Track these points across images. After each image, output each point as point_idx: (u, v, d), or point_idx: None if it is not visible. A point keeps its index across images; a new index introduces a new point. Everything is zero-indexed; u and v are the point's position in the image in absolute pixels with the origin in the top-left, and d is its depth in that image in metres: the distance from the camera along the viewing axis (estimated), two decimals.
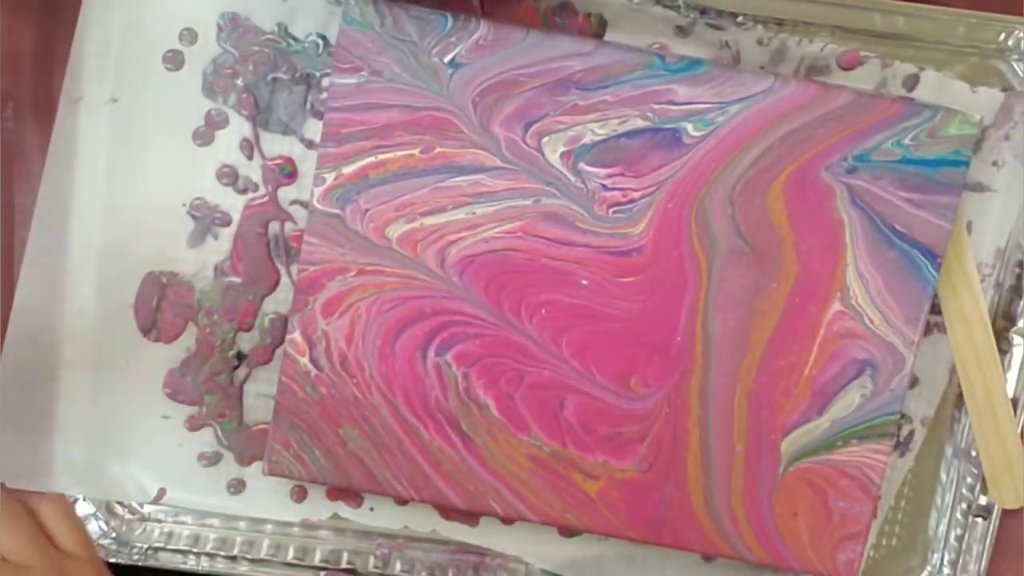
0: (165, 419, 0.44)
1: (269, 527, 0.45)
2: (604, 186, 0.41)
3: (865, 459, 0.42)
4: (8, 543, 0.36)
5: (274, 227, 0.43)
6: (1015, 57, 0.42)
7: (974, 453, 0.44)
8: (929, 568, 0.45)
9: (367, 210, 0.41)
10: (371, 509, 0.45)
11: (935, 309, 0.43)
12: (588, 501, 0.42)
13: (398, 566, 0.45)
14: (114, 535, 0.44)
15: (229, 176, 0.43)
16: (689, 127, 0.40)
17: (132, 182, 0.43)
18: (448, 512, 0.45)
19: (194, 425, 0.44)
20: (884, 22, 0.42)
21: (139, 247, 0.43)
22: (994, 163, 0.43)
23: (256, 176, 0.43)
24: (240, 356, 0.44)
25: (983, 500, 0.44)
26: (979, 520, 0.45)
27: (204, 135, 0.43)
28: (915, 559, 0.46)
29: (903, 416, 0.44)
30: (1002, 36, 0.42)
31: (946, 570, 0.45)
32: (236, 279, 0.43)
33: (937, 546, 0.45)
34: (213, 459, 0.44)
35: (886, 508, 0.45)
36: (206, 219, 0.43)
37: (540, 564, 0.45)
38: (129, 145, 0.42)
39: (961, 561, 0.45)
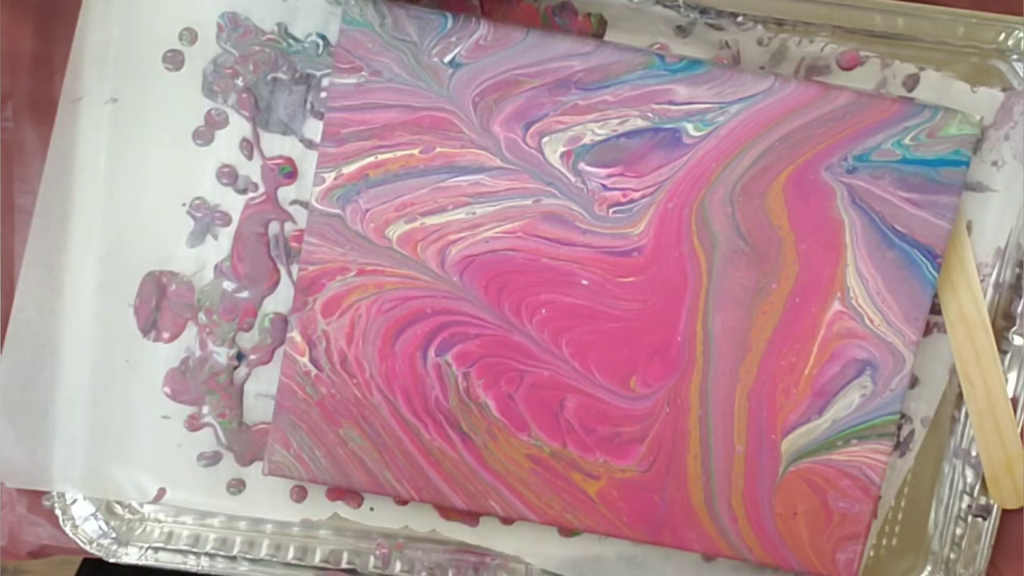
0: (165, 419, 0.44)
1: (269, 527, 0.45)
2: (604, 186, 0.41)
3: (865, 459, 0.42)
4: None
5: (274, 227, 0.43)
6: (1015, 57, 0.42)
7: (974, 453, 0.44)
8: (929, 568, 0.45)
9: (367, 210, 0.41)
10: (371, 509, 0.45)
11: (935, 309, 0.43)
12: (588, 501, 0.42)
13: (398, 566, 0.45)
14: (114, 535, 0.44)
15: (229, 176, 0.43)
16: (689, 127, 0.40)
17: (132, 182, 0.43)
18: (448, 512, 0.45)
19: (194, 425, 0.44)
20: (884, 22, 0.42)
21: (139, 247, 0.43)
22: (994, 163, 0.43)
23: (256, 176, 0.43)
24: (240, 356, 0.44)
25: (983, 500, 0.44)
26: (979, 520, 0.45)
27: (204, 135, 0.43)
28: (915, 559, 0.46)
29: (903, 416, 0.44)
30: (1002, 36, 0.42)
31: (946, 570, 0.45)
32: (236, 279, 0.43)
33: (937, 546, 0.45)
34: (213, 459, 0.44)
35: (886, 508, 0.45)
36: (206, 219, 0.43)
37: (540, 564, 0.45)
38: (129, 145, 0.42)
39: (961, 561, 0.45)
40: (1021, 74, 0.43)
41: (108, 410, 0.44)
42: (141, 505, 0.45)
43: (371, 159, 0.41)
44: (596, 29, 0.42)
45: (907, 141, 0.40)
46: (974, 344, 0.43)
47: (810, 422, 0.42)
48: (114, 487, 0.44)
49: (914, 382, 0.44)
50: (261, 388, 0.44)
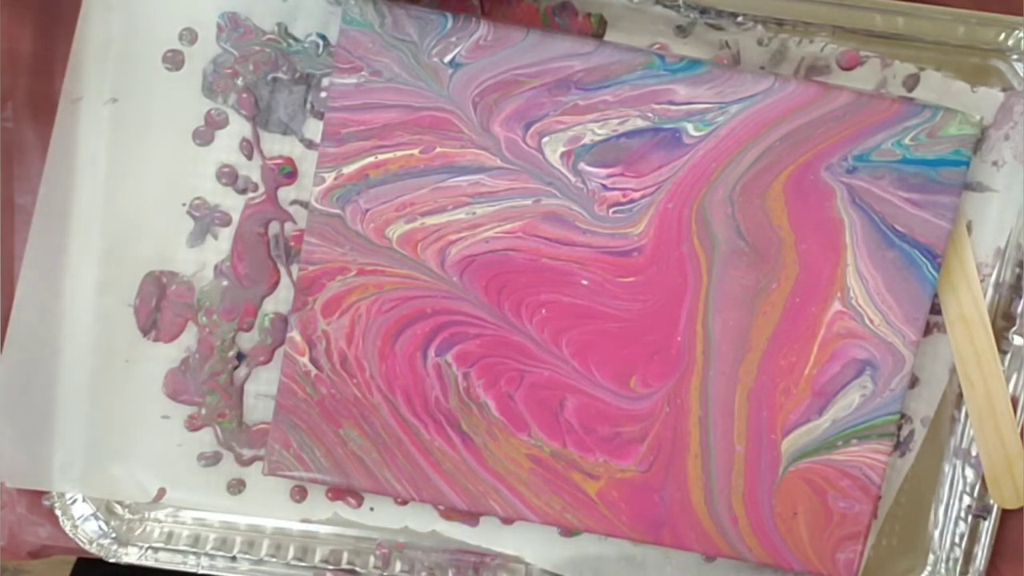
0: (165, 419, 0.44)
1: (269, 527, 0.45)
2: (604, 186, 0.41)
3: (865, 459, 0.42)
4: None
5: (274, 227, 0.43)
6: (1015, 57, 0.42)
7: (974, 453, 0.44)
8: (929, 568, 0.45)
9: (367, 210, 0.41)
10: (371, 509, 0.45)
11: (935, 309, 0.43)
12: (588, 501, 0.42)
13: (398, 566, 0.45)
14: (114, 535, 0.44)
15: (229, 176, 0.43)
16: (689, 127, 0.40)
17: (132, 182, 0.43)
18: (448, 512, 0.45)
19: (194, 425, 0.44)
20: (884, 22, 0.42)
21: (139, 247, 0.43)
22: (994, 163, 0.43)
23: (256, 176, 0.43)
24: (240, 356, 0.44)
25: (983, 500, 0.44)
26: (979, 520, 0.45)
27: (204, 135, 0.43)
28: (915, 559, 0.46)
29: (903, 416, 0.44)
30: (1002, 36, 0.42)
31: (946, 570, 0.45)
32: (236, 279, 0.43)
33: (937, 546, 0.45)
34: (213, 459, 0.44)
35: (886, 508, 0.45)
36: (206, 219, 0.43)
37: (540, 564, 0.45)
38: (129, 145, 0.42)
39: (961, 561, 0.45)
40: (1021, 74, 0.43)
41: (108, 410, 0.44)
42: (141, 505, 0.45)
43: (371, 159, 0.41)
44: (596, 29, 0.42)
45: (907, 141, 0.40)
46: (974, 344, 0.43)
47: (810, 422, 0.42)
48: (114, 487, 0.44)
49: (914, 382, 0.44)
50: (261, 388, 0.44)
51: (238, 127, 0.43)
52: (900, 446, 0.44)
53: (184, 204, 0.43)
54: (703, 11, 0.42)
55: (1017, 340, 0.44)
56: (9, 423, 0.43)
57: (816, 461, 0.42)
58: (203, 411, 0.44)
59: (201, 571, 0.44)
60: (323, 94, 0.42)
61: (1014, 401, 0.44)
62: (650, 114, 0.40)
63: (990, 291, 0.44)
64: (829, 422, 0.42)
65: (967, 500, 0.45)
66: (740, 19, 0.42)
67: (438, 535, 0.45)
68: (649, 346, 0.41)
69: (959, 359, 0.44)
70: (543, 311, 0.41)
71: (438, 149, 0.41)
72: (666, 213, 0.41)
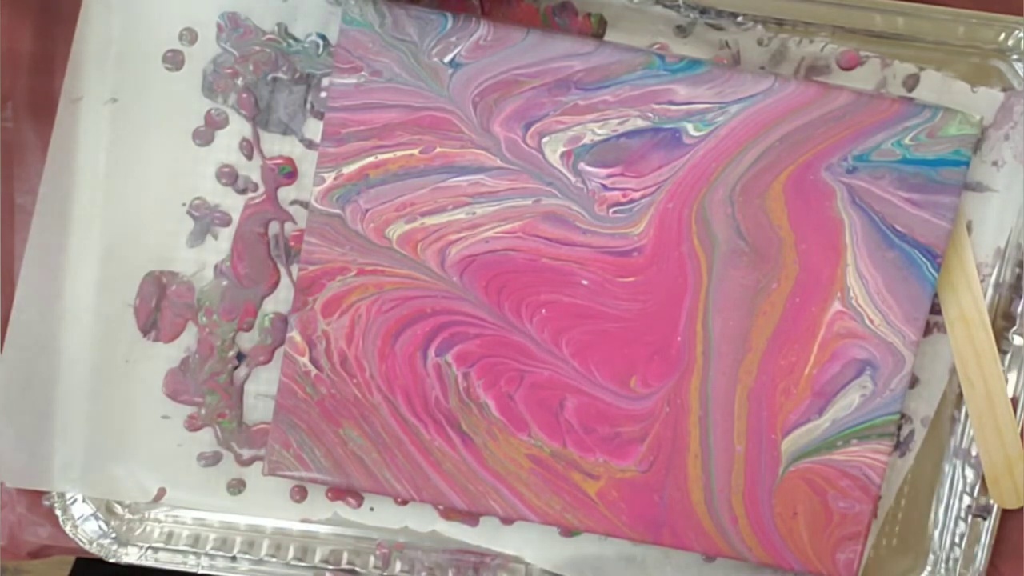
0: (165, 419, 0.44)
1: (269, 527, 0.45)
2: (604, 186, 0.41)
3: (865, 459, 0.42)
4: None
5: (274, 227, 0.43)
6: (1015, 57, 0.42)
7: (974, 453, 0.44)
8: (929, 568, 0.45)
9: (367, 210, 0.41)
10: (371, 509, 0.45)
11: (935, 309, 0.43)
12: (588, 501, 0.42)
13: (398, 566, 0.45)
14: (114, 535, 0.44)
15: (229, 176, 0.43)
16: (689, 127, 0.40)
17: (132, 182, 0.43)
18: (448, 512, 0.45)
19: (194, 425, 0.44)
20: (884, 22, 0.42)
21: (139, 247, 0.43)
22: (994, 163, 0.43)
23: (256, 176, 0.43)
24: (240, 356, 0.44)
25: (983, 500, 0.44)
26: (979, 520, 0.45)
27: (204, 135, 0.43)
28: (915, 559, 0.46)
29: (903, 416, 0.44)
30: (1002, 36, 0.42)
31: (946, 570, 0.45)
32: (236, 279, 0.43)
33: (937, 546, 0.45)
34: (213, 459, 0.44)
35: (886, 508, 0.45)
36: (206, 219, 0.43)
37: (540, 564, 0.45)
38: (129, 145, 0.42)
39: (961, 561, 0.45)
40: (1021, 74, 0.43)
41: (108, 410, 0.44)
42: (141, 505, 0.45)
43: (371, 159, 0.41)
44: (596, 29, 0.42)
45: (907, 141, 0.40)
46: (974, 344, 0.43)
47: (810, 422, 0.42)
48: (114, 487, 0.44)
49: (914, 382, 0.44)
50: (261, 388, 0.44)
51: (238, 127, 0.43)
52: (900, 446, 0.45)
53: (184, 204, 0.43)
54: (703, 11, 0.42)
55: (1017, 340, 0.44)
56: (9, 423, 0.43)
57: (816, 461, 0.42)
58: (203, 411, 0.44)
59: (201, 571, 0.44)
60: (323, 94, 0.42)
61: (1014, 401, 0.44)
62: (650, 114, 0.40)
63: (990, 291, 0.44)
64: (829, 422, 0.42)
65: (967, 500, 0.45)
66: (740, 19, 0.42)
67: (438, 535, 0.45)
68: (649, 346, 0.41)
69: (959, 359, 0.44)
70: (543, 311, 0.41)
71: (438, 149, 0.41)
72: (666, 213, 0.41)
